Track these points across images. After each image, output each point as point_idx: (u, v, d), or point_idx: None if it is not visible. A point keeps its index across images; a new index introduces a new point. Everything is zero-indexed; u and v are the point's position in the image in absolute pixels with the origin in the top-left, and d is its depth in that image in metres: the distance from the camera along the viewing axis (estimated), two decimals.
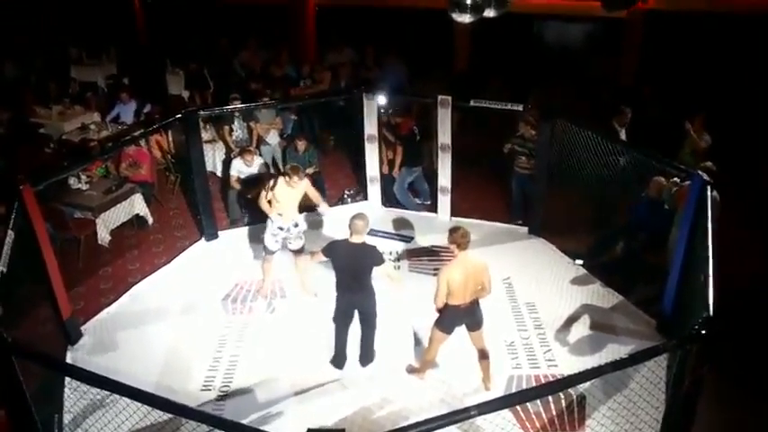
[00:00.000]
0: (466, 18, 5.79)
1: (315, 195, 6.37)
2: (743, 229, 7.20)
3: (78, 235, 7.16)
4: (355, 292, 5.29)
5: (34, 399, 3.96)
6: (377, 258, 5.19)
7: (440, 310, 5.05)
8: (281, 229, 6.26)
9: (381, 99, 7.86)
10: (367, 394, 5.31)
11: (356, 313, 5.45)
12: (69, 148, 8.97)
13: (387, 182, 8.34)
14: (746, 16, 9.77)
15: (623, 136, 7.78)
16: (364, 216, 5.22)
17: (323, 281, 6.19)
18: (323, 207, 6.49)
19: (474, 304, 5.03)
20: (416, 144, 8.13)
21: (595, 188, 7.31)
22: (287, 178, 6.07)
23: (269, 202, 6.20)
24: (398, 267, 7.09)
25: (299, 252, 6.42)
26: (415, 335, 5.93)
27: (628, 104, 8.66)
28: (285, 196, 6.14)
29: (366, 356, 5.61)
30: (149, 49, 13.59)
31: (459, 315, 5.02)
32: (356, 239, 5.17)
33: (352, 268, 5.21)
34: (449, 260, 5.10)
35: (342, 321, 5.48)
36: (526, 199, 7.78)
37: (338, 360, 5.61)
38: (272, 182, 6.21)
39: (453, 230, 4.94)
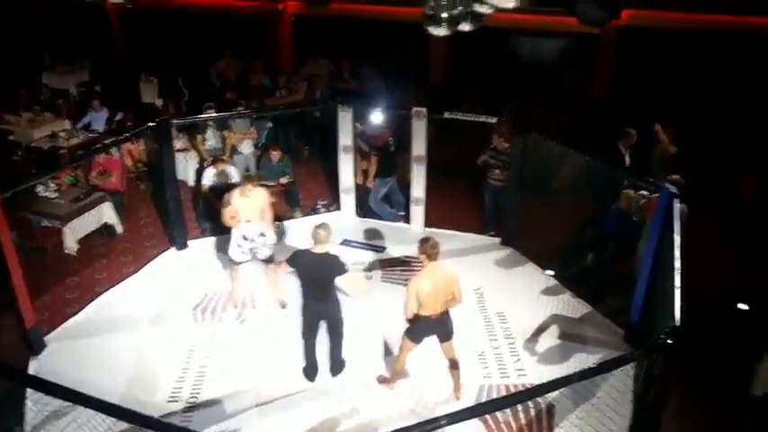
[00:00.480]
0: (441, 31, 5.82)
1: (268, 217, 6.32)
2: (711, 242, 7.32)
3: (45, 244, 7.03)
4: (321, 301, 5.29)
5: None
6: (339, 268, 5.18)
7: (410, 321, 5.05)
8: (245, 239, 6.21)
9: (357, 111, 7.88)
10: (337, 405, 5.27)
11: (322, 323, 5.43)
12: (38, 156, 8.84)
13: (362, 193, 8.34)
14: (716, 33, 10.03)
15: (628, 159, 7.80)
16: (327, 226, 5.24)
17: (293, 292, 6.15)
18: (269, 234, 6.36)
19: (445, 315, 5.04)
20: (391, 155, 8.15)
21: (567, 200, 7.40)
22: (240, 188, 6.09)
23: (232, 216, 6.13)
24: (371, 277, 7.08)
25: (268, 262, 6.37)
26: (386, 345, 5.91)
27: (601, 117, 8.80)
28: (243, 207, 6.11)
29: (336, 366, 5.59)
30: (123, 56, 13.48)
31: (429, 326, 5.02)
32: (319, 249, 5.16)
33: (316, 278, 5.21)
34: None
35: (309, 332, 5.45)
36: (499, 210, 7.84)
37: (309, 371, 5.57)
38: (227, 196, 6.19)
39: (423, 241, 4.96)
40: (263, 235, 6.26)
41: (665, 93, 10.40)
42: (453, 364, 5.27)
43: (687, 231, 5.15)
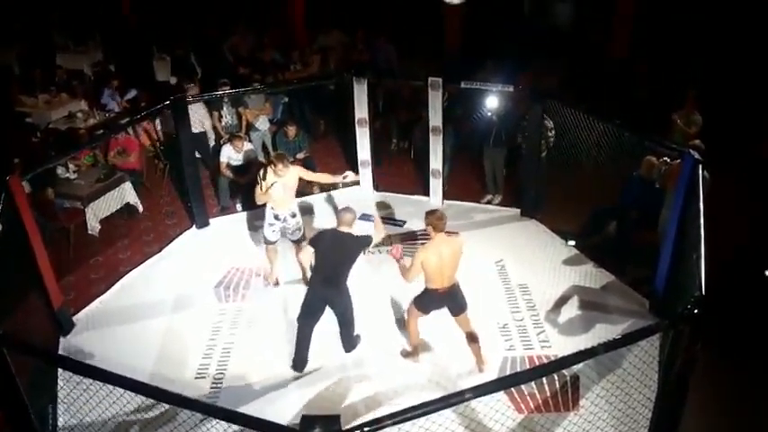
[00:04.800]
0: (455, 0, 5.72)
1: (313, 176, 6.32)
2: (735, 208, 7.19)
3: (68, 225, 7.10)
4: (330, 285, 5.14)
5: (27, 390, 3.93)
6: (364, 240, 5.19)
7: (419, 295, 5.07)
8: (277, 218, 6.18)
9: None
10: (362, 379, 5.32)
11: (327, 310, 5.29)
12: (56, 137, 8.87)
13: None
14: None
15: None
16: (353, 210, 5.23)
17: None
18: (337, 177, 6.39)
19: (453, 288, 5.03)
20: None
21: (588, 168, 7.29)
22: (272, 167, 5.99)
23: (265, 194, 6.06)
24: (390, 251, 7.06)
25: (298, 242, 6.34)
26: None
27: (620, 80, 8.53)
28: (276, 185, 6.05)
29: (349, 344, 5.51)
30: (136, 34, 13.39)
31: (436, 299, 5.04)
32: (344, 229, 5.15)
33: (334, 256, 5.10)
34: None
35: (307, 317, 5.27)
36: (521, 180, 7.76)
37: (298, 363, 5.38)
38: (261, 173, 6.06)
39: (429, 213, 4.99)
40: (294, 215, 6.23)
41: (686, 51, 10.16)
42: (471, 338, 5.25)
43: (710, 198, 5.05)
